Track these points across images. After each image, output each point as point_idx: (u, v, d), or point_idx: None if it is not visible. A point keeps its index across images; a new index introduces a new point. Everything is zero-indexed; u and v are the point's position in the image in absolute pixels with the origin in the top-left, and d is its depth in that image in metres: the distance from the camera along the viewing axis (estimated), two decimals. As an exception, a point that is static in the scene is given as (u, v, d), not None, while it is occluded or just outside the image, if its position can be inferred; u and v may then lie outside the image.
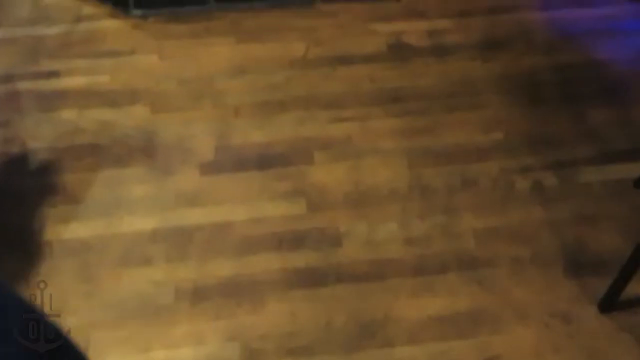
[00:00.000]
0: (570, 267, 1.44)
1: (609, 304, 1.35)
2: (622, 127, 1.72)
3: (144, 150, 1.66)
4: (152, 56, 1.89)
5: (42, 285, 1.39)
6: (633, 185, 1.56)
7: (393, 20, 1.99)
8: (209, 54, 1.90)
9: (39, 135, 1.68)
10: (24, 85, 1.80)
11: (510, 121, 1.73)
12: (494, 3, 2.04)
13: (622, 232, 1.50)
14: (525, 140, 1.68)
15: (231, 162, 1.64)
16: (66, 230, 1.49)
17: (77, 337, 1.42)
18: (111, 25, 1.97)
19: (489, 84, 1.82)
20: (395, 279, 1.42)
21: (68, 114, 1.73)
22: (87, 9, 2.01)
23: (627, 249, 1.33)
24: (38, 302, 1.37)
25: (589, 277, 1.42)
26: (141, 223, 1.51)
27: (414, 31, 1.95)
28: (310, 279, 1.42)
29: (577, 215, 1.53)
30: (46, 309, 1.35)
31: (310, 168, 1.62)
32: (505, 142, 1.68)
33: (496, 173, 1.62)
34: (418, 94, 1.79)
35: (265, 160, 1.64)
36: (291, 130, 1.70)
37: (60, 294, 1.38)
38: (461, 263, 1.44)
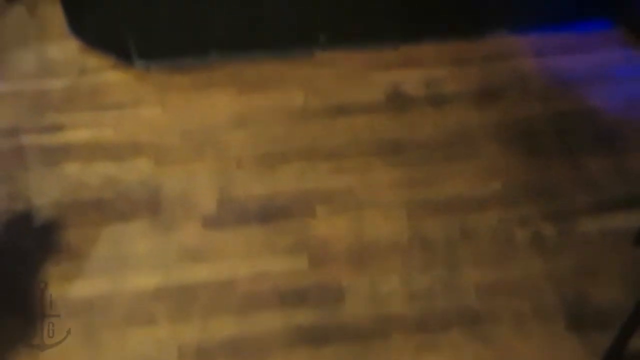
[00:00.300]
0: (572, 321, 1.44)
1: (613, 359, 1.36)
2: (618, 175, 1.74)
3: (147, 204, 1.68)
4: (155, 108, 1.92)
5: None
6: (633, 242, 1.57)
7: (391, 69, 2.03)
8: (211, 105, 1.93)
9: (43, 191, 1.70)
10: (28, 140, 1.83)
11: (508, 171, 1.75)
12: (488, 50, 2.09)
13: (623, 283, 1.51)
14: (524, 190, 1.71)
15: (233, 215, 1.66)
16: (70, 289, 1.49)
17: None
18: (115, 77, 2.01)
19: (486, 133, 1.85)
20: (398, 335, 1.42)
21: (72, 169, 1.75)
22: (91, 62, 2.05)
23: (629, 301, 1.34)
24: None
25: (591, 331, 1.42)
26: (145, 280, 1.52)
27: (411, 80, 1.99)
28: (314, 337, 1.42)
29: (577, 267, 1.54)
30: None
31: (312, 221, 1.64)
32: (503, 192, 1.70)
33: (495, 224, 1.63)
34: (416, 144, 1.82)
35: (267, 213, 1.66)
36: (293, 182, 1.73)
37: (64, 356, 1.38)
38: (463, 318, 1.45)
